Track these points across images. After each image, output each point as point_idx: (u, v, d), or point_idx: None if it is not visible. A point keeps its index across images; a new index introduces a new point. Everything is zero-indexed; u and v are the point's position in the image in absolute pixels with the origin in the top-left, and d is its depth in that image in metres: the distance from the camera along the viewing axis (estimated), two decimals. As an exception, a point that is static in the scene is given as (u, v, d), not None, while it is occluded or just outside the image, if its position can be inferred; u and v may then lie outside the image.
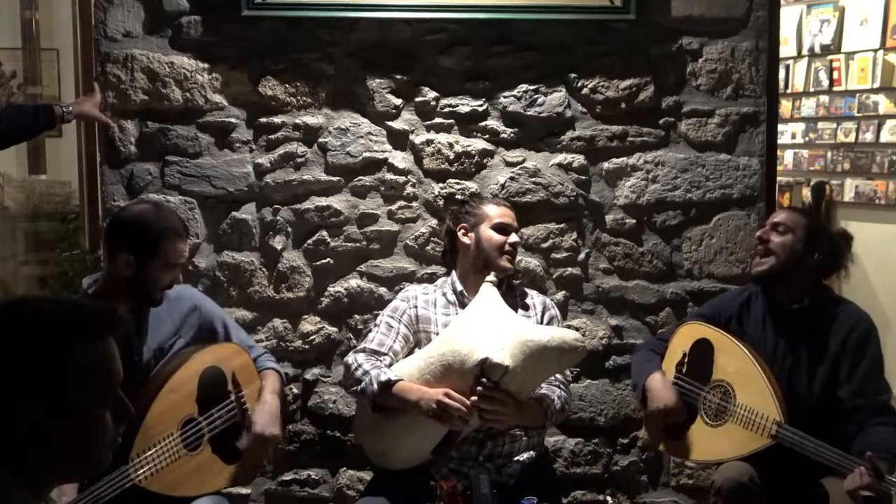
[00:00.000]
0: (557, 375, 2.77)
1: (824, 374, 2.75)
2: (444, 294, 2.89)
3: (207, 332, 2.74)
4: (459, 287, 2.87)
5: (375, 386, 2.63)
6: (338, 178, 3.27)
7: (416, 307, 2.86)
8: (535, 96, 3.28)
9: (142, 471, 2.42)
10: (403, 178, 3.28)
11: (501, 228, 2.84)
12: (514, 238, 2.84)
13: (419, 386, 2.61)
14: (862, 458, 2.47)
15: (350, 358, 2.79)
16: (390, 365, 2.74)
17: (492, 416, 2.56)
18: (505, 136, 3.29)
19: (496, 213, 2.86)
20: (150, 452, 2.45)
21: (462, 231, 2.89)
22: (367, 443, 2.85)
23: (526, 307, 2.90)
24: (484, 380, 2.54)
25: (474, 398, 2.53)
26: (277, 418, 2.68)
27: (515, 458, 2.75)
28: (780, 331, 2.82)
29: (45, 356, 1.29)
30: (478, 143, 3.29)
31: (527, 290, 2.99)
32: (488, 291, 2.75)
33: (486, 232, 2.84)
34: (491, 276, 2.78)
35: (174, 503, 2.50)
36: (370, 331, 2.91)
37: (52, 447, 1.30)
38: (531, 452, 2.79)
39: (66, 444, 1.31)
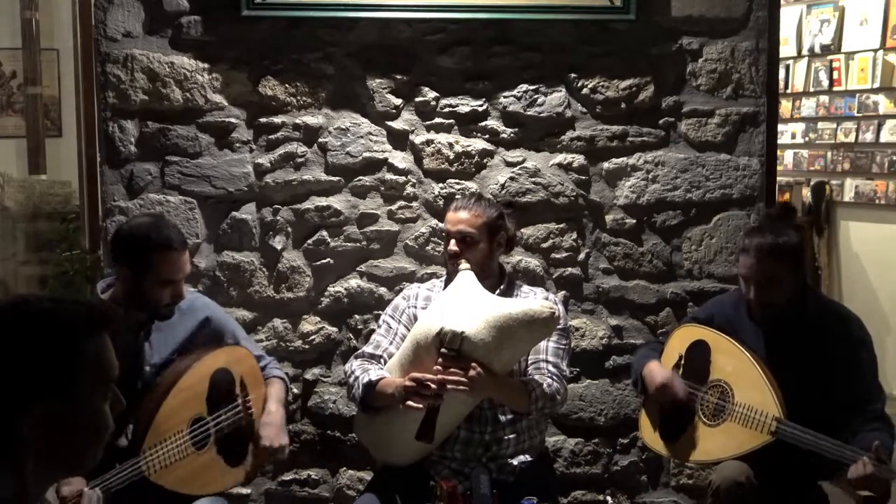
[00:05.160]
0: (550, 367, 2.75)
1: (817, 382, 2.69)
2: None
3: (216, 343, 2.75)
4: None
5: (361, 389, 2.69)
6: (338, 178, 3.27)
7: (415, 307, 2.88)
8: (535, 96, 3.28)
9: (152, 464, 2.44)
10: (403, 178, 3.28)
11: (447, 236, 2.84)
12: (451, 246, 2.79)
13: (395, 378, 2.66)
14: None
15: (347, 364, 2.86)
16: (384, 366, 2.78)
17: (456, 385, 2.52)
18: (505, 136, 3.29)
19: (446, 220, 2.87)
20: (161, 447, 2.47)
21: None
22: (363, 437, 2.93)
23: None
24: (444, 349, 2.55)
25: (437, 368, 2.54)
26: (284, 429, 2.74)
27: (516, 458, 2.75)
28: (771, 340, 2.77)
29: (56, 353, 1.31)
30: (478, 143, 3.29)
31: (528, 287, 2.97)
32: (463, 277, 2.77)
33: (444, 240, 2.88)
34: (464, 264, 2.78)
35: (176, 503, 2.51)
36: (372, 331, 2.96)
37: (62, 441, 1.32)
38: (531, 453, 2.79)
39: (75, 437, 1.33)
